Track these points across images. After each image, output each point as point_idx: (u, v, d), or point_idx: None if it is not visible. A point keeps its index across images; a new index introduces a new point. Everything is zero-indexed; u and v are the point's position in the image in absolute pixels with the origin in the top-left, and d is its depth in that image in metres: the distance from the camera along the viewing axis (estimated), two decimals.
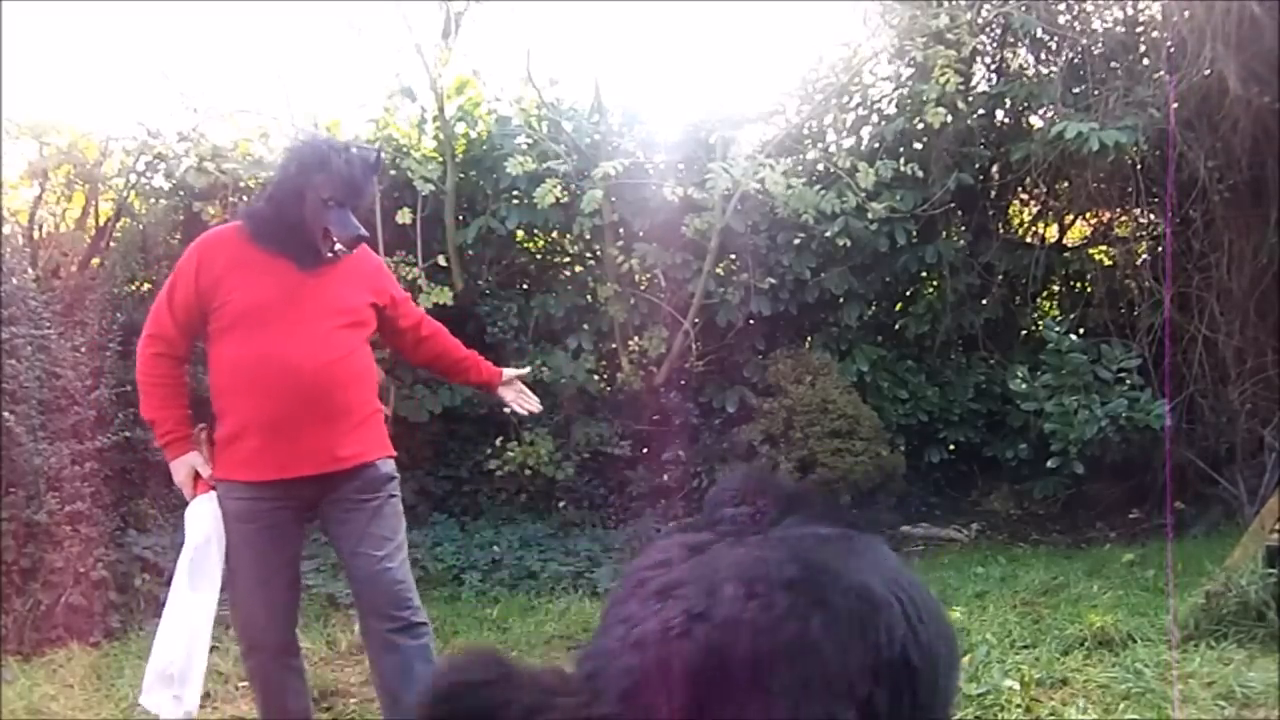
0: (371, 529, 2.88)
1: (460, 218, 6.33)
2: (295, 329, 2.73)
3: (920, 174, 6.40)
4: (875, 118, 7.00)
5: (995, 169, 7.21)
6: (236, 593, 2.81)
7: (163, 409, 2.80)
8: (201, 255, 2.79)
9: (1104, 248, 7.36)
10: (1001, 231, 7.37)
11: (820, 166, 6.75)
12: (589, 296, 6.60)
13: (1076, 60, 6.58)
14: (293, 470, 2.75)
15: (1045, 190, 7.28)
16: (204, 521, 2.75)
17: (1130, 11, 6.74)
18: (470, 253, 6.38)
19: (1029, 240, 7.41)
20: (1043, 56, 6.91)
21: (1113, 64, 6.39)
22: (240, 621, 2.88)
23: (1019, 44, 6.80)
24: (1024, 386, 6.23)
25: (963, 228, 7.26)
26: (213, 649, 4.32)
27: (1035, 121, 6.88)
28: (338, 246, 2.81)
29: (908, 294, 7.31)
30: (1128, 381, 6.03)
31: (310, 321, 2.76)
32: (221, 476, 2.79)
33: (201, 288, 2.74)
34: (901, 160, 6.34)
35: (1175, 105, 5.65)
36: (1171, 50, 6.06)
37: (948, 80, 5.75)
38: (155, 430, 2.84)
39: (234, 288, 2.73)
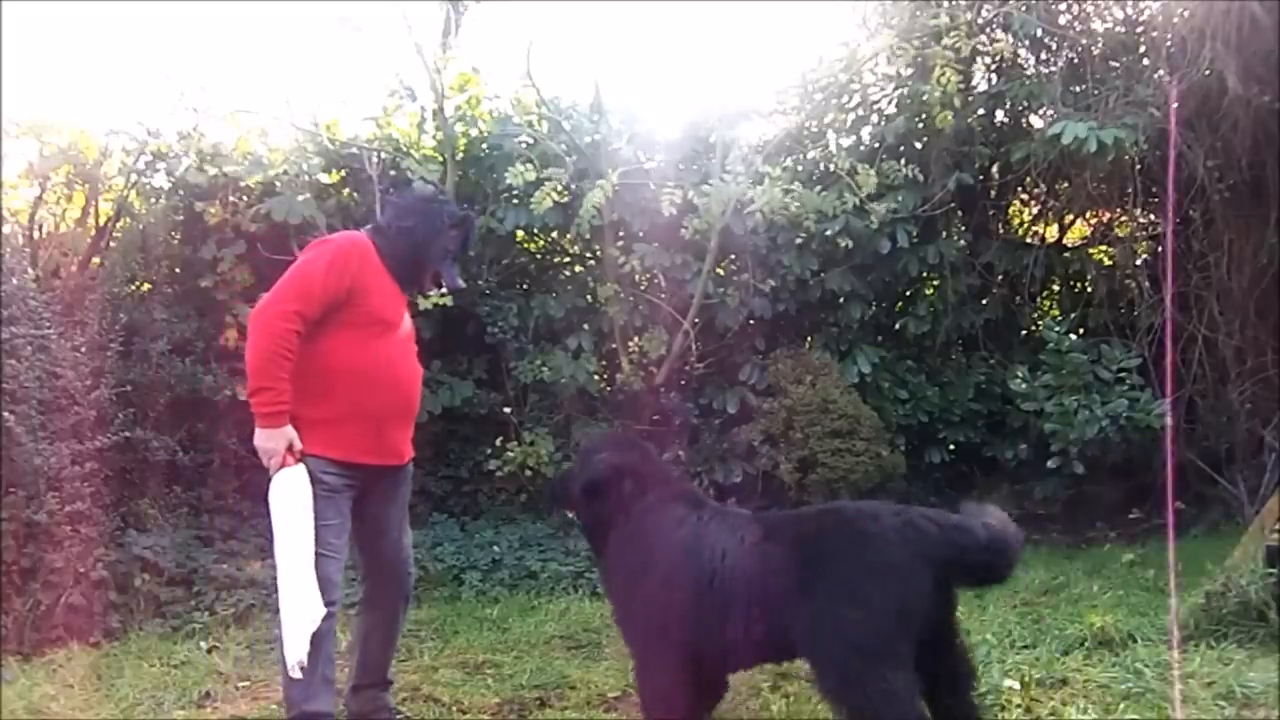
0: (404, 516, 3.48)
1: None
2: (400, 343, 3.27)
3: (920, 174, 6.40)
4: (875, 118, 7.00)
5: (995, 169, 7.21)
6: (319, 554, 3.02)
7: (280, 379, 2.99)
8: (360, 258, 3.14)
9: (1104, 248, 7.36)
10: (1001, 231, 7.37)
11: (820, 167, 6.75)
12: (589, 297, 6.60)
13: (1076, 60, 6.58)
14: (382, 459, 3.23)
15: (1045, 190, 7.28)
16: (302, 489, 2.99)
17: (1130, 11, 6.74)
18: (470, 253, 6.37)
19: (1029, 240, 7.41)
20: (1043, 56, 6.91)
21: (1113, 64, 6.40)
22: (320, 580, 3.01)
23: (1019, 44, 6.80)
24: (1024, 386, 6.23)
25: (963, 228, 7.26)
26: (213, 648, 4.38)
27: (1035, 121, 6.88)
28: (442, 290, 3.46)
29: (908, 294, 7.31)
30: (1128, 381, 6.03)
31: (407, 339, 3.33)
32: (316, 452, 3.06)
33: (354, 286, 3.09)
34: (902, 160, 6.33)
35: (1175, 105, 5.65)
36: (1171, 50, 6.06)
37: (947, 80, 5.75)
38: (263, 396, 2.99)
39: (373, 295, 3.14)
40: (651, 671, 2.99)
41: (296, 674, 2.92)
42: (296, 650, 2.92)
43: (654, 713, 2.98)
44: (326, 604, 3.00)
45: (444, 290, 3.54)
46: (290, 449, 3.02)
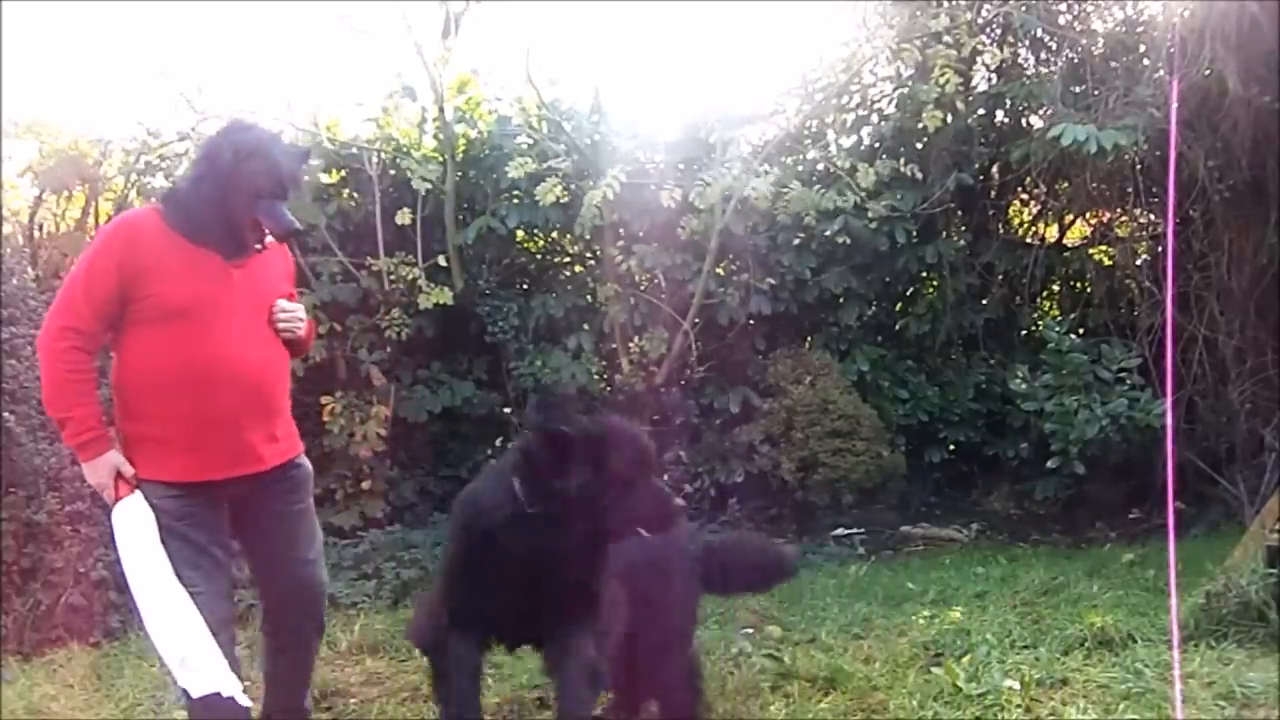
0: (297, 528, 2.86)
1: (460, 218, 6.33)
2: (228, 324, 2.63)
3: (920, 173, 6.40)
4: (875, 118, 7.01)
5: (995, 169, 7.21)
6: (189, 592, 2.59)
7: (77, 405, 2.59)
8: (124, 243, 2.61)
9: (1104, 248, 7.36)
10: (1001, 231, 7.37)
11: (820, 166, 6.75)
12: (589, 297, 6.60)
13: (1076, 60, 6.58)
14: (227, 471, 2.66)
15: (1045, 190, 7.28)
16: (143, 521, 2.59)
17: (1130, 11, 6.75)
18: (470, 253, 6.38)
19: (1029, 240, 7.42)
20: (1043, 56, 6.91)
21: (1113, 64, 6.40)
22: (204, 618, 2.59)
23: (1019, 44, 6.80)
24: (1024, 386, 6.23)
25: (963, 228, 7.27)
26: None
27: (1035, 121, 6.88)
28: (268, 239, 2.72)
29: (908, 294, 7.32)
30: (1128, 381, 6.04)
31: (242, 316, 2.67)
32: (147, 475, 2.62)
33: (125, 278, 2.56)
34: (901, 160, 6.33)
35: (1175, 105, 5.65)
36: (1171, 50, 6.06)
37: (947, 80, 5.75)
38: (66, 429, 2.62)
39: (160, 279, 2.57)
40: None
41: (243, 699, 2.56)
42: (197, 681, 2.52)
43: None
44: (215, 633, 2.55)
45: (272, 238, 2.76)
46: (121, 477, 2.61)
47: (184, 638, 2.53)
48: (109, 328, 2.64)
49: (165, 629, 2.54)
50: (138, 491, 2.62)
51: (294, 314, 2.81)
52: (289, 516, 2.83)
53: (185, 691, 2.54)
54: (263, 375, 2.70)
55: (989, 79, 7.07)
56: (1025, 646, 3.85)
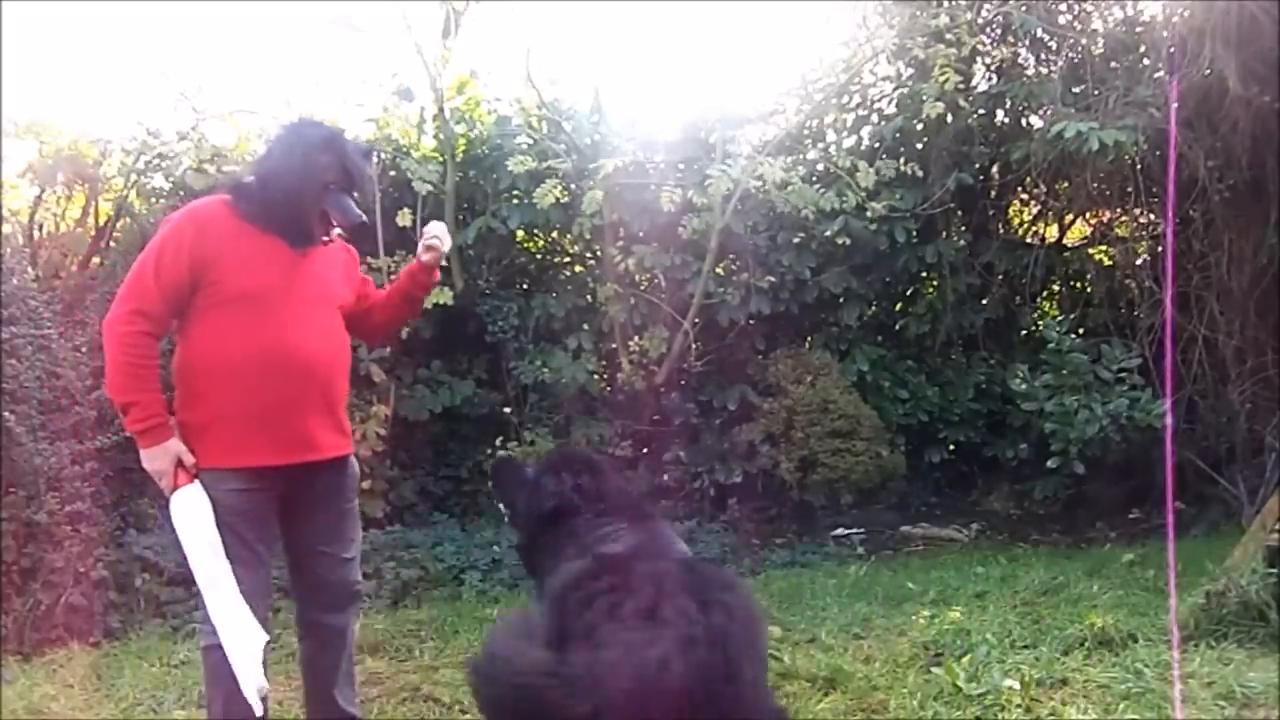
0: (341, 526, 2.91)
1: (460, 218, 6.33)
2: (296, 313, 2.70)
3: (920, 173, 6.41)
4: (875, 117, 7.01)
5: (995, 169, 7.21)
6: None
7: (143, 391, 2.62)
8: (195, 229, 2.66)
9: (1104, 248, 7.36)
10: (1001, 231, 7.37)
11: (820, 166, 6.76)
12: (589, 297, 6.61)
13: (1076, 60, 6.58)
14: (287, 455, 2.70)
15: (1045, 190, 7.28)
16: (201, 512, 2.62)
17: (1130, 11, 6.74)
18: (470, 253, 6.38)
19: (1029, 240, 7.42)
20: (1043, 56, 6.91)
21: (1113, 64, 6.39)
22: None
23: (1019, 44, 6.80)
24: (1024, 386, 6.23)
25: (963, 228, 7.27)
26: None
27: (1035, 121, 6.88)
28: (335, 231, 2.81)
29: (908, 294, 7.32)
30: (1128, 381, 6.04)
31: (308, 306, 2.74)
32: (206, 463, 2.66)
33: (195, 263, 2.62)
34: (901, 160, 6.34)
35: (1175, 105, 5.65)
36: (1171, 50, 6.06)
37: (947, 79, 5.76)
38: (130, 414, 2.63)
39: (230, 266, 2.64)
40: None
41: (258, 705, 2.57)
42: (251, 680, 2.56)
43: None
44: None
45: (338, 230, 2.86)
46: (182, 465, 2.65)
47: (246, 634, 2.57)
48: (175, 313, 2.69)
49: (231, 625, 2.57)
50: (196, 481, 2.65)
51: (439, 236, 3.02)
52: (335, 513, 2.89)
53: (203, 692, 2.58)
54: (326, 364, 2.77)
55: (989, 79, 7.07)
56: (1025, 646, 3.85)
